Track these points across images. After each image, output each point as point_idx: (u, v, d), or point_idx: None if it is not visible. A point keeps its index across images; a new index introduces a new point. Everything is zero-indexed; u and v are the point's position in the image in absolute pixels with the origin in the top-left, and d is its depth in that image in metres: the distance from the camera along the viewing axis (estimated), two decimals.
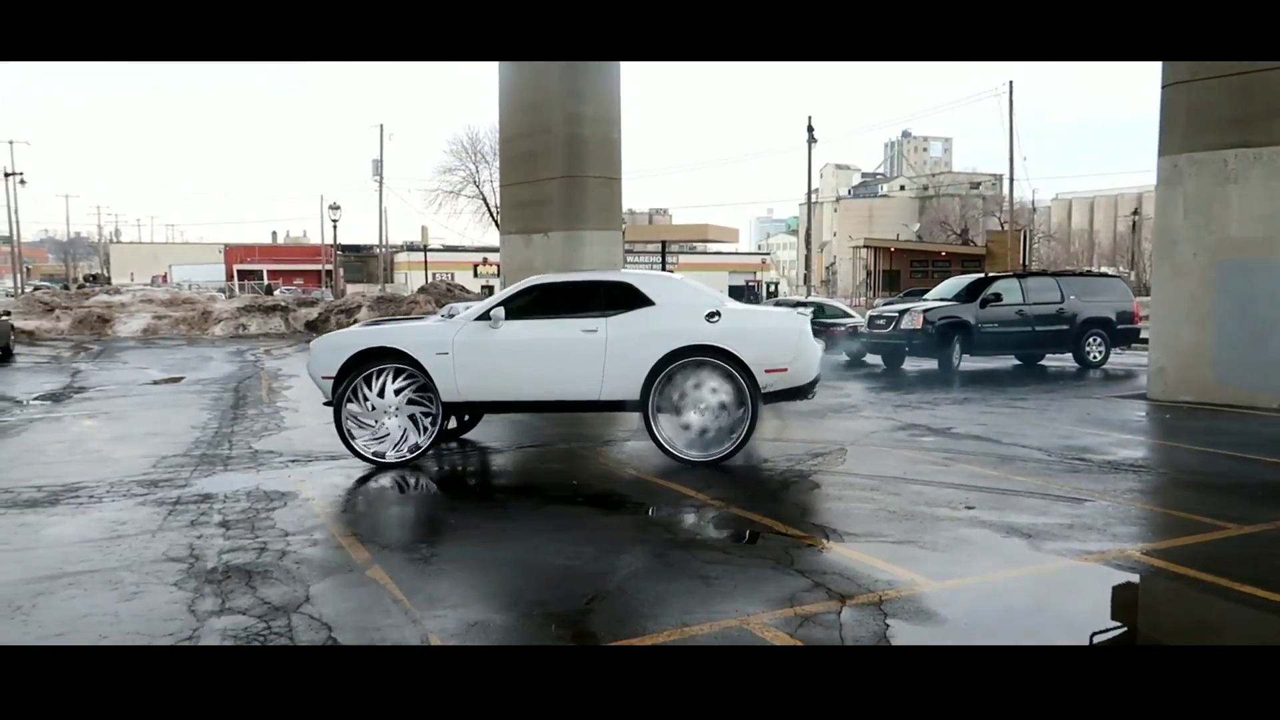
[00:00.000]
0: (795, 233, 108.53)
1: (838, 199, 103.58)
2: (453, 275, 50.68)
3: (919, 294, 19.89)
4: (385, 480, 6.91)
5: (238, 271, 65.11)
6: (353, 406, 7.28)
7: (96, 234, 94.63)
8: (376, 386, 7.25)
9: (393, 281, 59.38)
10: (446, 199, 49.23)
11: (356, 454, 7.27)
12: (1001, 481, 6.62)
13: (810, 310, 9.56)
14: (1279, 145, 10.26)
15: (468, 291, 32.91)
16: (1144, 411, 10.56)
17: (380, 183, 51.27)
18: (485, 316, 7.34)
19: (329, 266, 58.47)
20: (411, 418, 7.32)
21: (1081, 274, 19.71)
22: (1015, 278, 16.31)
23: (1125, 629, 4.10)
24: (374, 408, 7.26)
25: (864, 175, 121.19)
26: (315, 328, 26.59)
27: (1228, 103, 10.57)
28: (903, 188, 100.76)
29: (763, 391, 7.20)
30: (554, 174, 18.93)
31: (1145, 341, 13.66)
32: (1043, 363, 16.39)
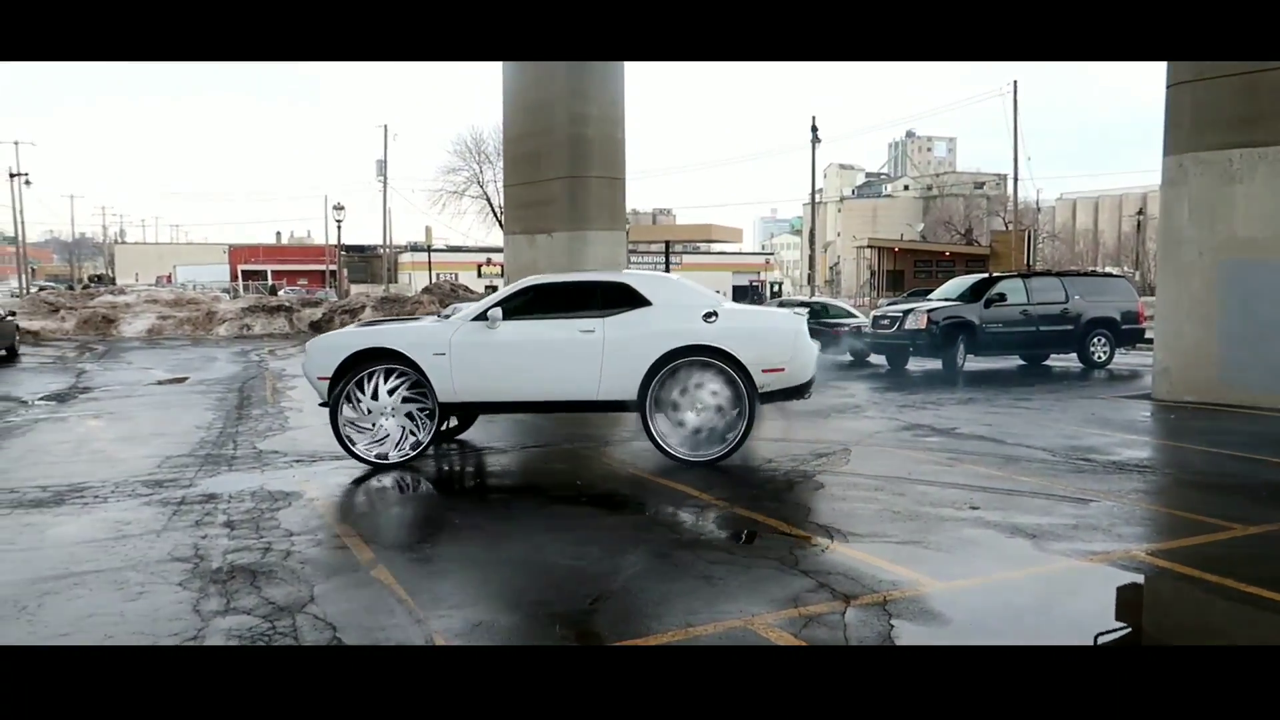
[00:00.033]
0: (799, 233, 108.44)
1: (842, 199, 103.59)
2: (456, 275, 50.70)
3: (923, 294, 19.85)
4: (389, 480, 6.91)
5: (242, 272, 65.24)
6: (349, 412, 7.23)
7: (101, 234, 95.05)
8: (369, 389, 7.22)
9: (397, 282, 59.41)
10: (450, 199, 49.30)
11: (357, 458, 7.24)
12: (1006, 482, 6.61)
13: (806, 311, 9.54)
14: None
15: (472, 292, 32.88)
16: (1149, 411, 10.54)
17: (384, 183, 51.41)
18: (482, 317, 7.33)
19: (333, 267, 58.53)
20: (409, 415, 7.31)
21: (1086, 274, 19.68)
22: (1020, 278, 16.28)
23: (1130, 629, 4.09)
24: (369, 411, 7.23)
25: (868, 175, 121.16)
26: (319, 328, 26.61)
27: (1233, 102, 10.55)
28: (906, 188, 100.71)
29: (760, 391, 7.20)
30: (558, 174, 18.92)
31: (1150, 341, 13.62)
32: (1047, 363, 16.36)
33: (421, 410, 7.33)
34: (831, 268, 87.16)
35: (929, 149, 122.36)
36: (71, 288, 52.55)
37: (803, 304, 18.27)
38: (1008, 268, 34.07)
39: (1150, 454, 8.13)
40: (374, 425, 7.26)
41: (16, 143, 56.51)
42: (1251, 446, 8.02)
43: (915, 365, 15.66)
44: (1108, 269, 61.63)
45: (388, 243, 57.95)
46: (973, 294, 15.29)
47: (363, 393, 7.21)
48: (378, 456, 7.22)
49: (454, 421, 8.58)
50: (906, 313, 14.99)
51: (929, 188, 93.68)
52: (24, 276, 57.34)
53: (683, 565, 4.73)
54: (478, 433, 8.86)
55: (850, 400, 11.50)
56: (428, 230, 57.12)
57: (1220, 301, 10.76)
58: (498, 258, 44.89)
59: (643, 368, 7.16)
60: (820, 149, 42.26)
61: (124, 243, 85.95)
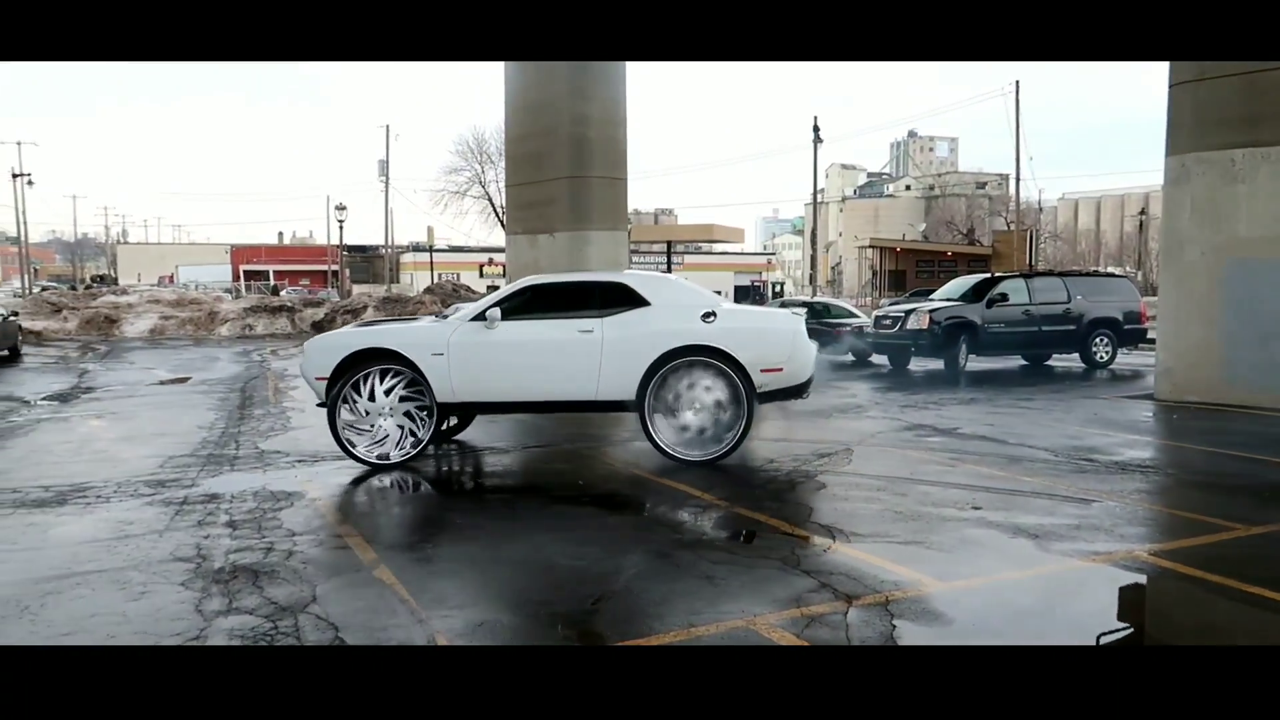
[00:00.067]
0: (801, 233, 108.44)
1: (843, 199, 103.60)
2: (458, 275, 50.75)
3: (925, 294, 19.87)
4: (390, 481, 6.91)
5: (244, 272, 65.28)
6: (346, 415, 7.20)
7: (103, 234, 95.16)
8: (366, 390, 7.19)
9: (398, 282, 59.43)
10: (452, 199, 49.35)
11: (358, 459, 7.22)
12: (1008, 482, 6.60)
13: (805, 311, 9.54)
14: None
15: (473, 292, 32.87)
16: (1151, 412, 10.53)
17: (386, 183, 51.45)
18: (481, 317, 7.33)
19: (335, 267, 58.55)
20: (407, 414, 7.29)
21: (1088, 274, 19.67)
22: (1021, 278, 16.27)
23: (1132, 630, 4.09)
24: (367, 412, 7.21)
25: (870, 175, 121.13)
26: (321, 328, 26.61)
27: (1235, 102, 10.54)
28: (908, 188, 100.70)
29: (758, 391, 7.21)
30: (560, 174, 18.92)
31: (1152, 342, 13.61)
32: (1049, 363, 16.35)
33: (420, 409, 7.31)
34: (833, 268, 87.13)
35: (931, 149, 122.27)
36: (74, 288, 52.61)
37: (804, 304, 18.27)
38: (1010, 268, 34.06)
39: (1153, 454, 8.12)
40: (372, 426, 7.24)
41: (19, 143, 56.35)
42: (1254, 447, 8.01)
43: (917, 365, 15.66)
44: (1110, 269, 61.56)
45: (390, 243, 57.97)
46: (975, 294, 15.28)
47: (359, 394, 7.19)
48: (379, 457, 7.21)
49: (453, 421, 8.58)
50: (908, 313, 14.99)
51: (931, 188, 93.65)
52: (26, 276, 57.44)
53: (684, 565, 4.73)
54: (478, 433, 8.87)
55: (852, 400, 11.49)
56: (430, 230, 57.27)
57: (1223, 301, 10.74)
58: (500, 258, 44.87)
59: (641, 368, 7.16)
60: (822, 149, 42.23)
61: (126, 243, 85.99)
